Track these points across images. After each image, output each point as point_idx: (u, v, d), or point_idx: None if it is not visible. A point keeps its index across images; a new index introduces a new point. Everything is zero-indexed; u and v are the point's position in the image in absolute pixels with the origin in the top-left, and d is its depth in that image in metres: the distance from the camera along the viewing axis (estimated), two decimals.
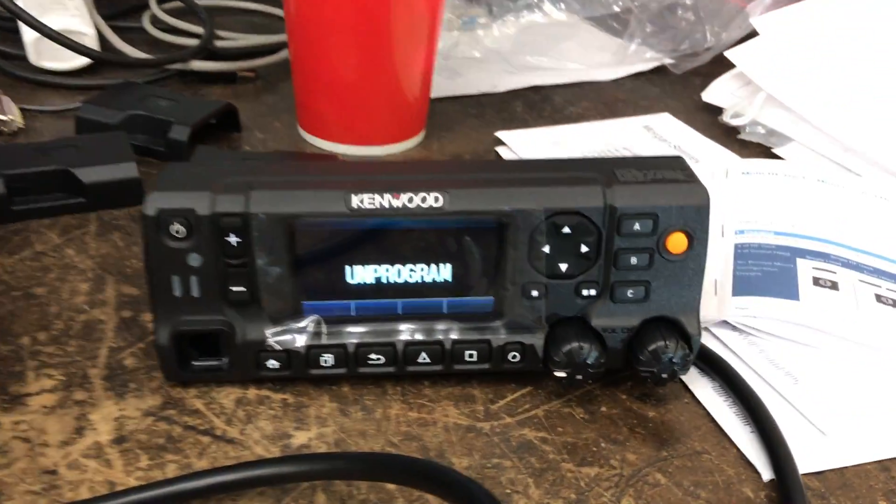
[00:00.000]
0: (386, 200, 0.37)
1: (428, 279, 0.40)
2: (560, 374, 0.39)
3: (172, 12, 0.79)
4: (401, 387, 0.41)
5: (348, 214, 0.38)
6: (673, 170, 0.40)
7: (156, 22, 0.78)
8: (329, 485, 0.36)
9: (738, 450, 0.39)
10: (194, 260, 0.38)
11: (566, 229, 0.38)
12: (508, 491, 0.36)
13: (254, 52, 0.75)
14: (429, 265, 0.39)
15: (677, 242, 0.39)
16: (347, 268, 0.39)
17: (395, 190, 0.38)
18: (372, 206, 0.37)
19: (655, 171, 0.39)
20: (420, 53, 0.61)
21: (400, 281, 0.39)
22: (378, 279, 0.39)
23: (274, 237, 0.38)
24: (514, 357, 0.40)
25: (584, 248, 0.39)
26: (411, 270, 0.39)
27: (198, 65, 0.71)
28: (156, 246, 0.37)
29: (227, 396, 0.40)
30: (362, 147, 0.63)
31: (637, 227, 0.38)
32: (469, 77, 0.76)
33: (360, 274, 0.39)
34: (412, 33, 0.59)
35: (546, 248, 0.39)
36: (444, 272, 0.39)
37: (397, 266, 0.39)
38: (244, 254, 0.38)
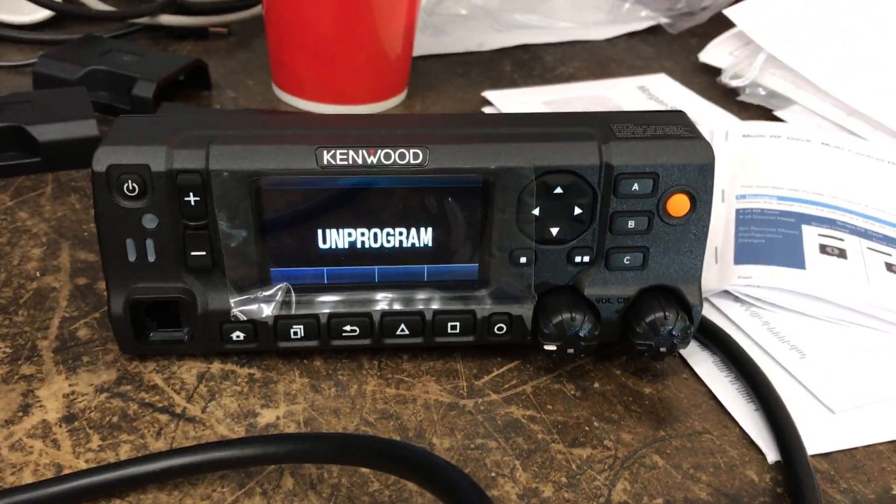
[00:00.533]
0: (360, 156, 0.34)
1: (407, 244, 0.36)
2: (550, 347, 0.36)
3: None
4: (377, 361, 0.38)
5: (319, 172, 0.34)
6: (675, 125, 0.37)
7: None
8: (298, 468, 0.33)
9: (741, 429, 0.36)
10: (150, 221, 0.34)
11: (558, 189, 0.35)
12: (494, 474, 0.33)
13: (226, 6, 0.71)
14: (408, 229, 0.36)
15: (679, 204, 0.36)
16: (319, 231, 0.36)
17: (371, 145, 0.34)
18: (345, 163, 0.34)
19: (656, 126, 0.36)
20: (402, 6, 0.57)
21: (376, 246, 0.36)
22: (353, 244, 0.36)
23: (237, 197, 0.34)
24: (500, 329, 0.37)
25: (577, 211, 0.36)
26: (389, 234, 0.36)
27: (167, 19, 0.67)
28: (107, 206, 0.34)
29: (189, 371, 0.37)
30: (340, 106, 0.59)
31: (635, 187, 0.35)
32: (454, 35, 0.73)
33: (334, 238, 0.36)
34: None
35: (536, 211, 0.35)
36: (424, 236, 0.36)
37: (374, 230, 0.36)
38: (204, 215, 0.34)
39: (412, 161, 0.34)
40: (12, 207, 0.47)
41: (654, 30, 0.78)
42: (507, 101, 0.62)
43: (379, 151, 0.34)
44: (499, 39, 0.72)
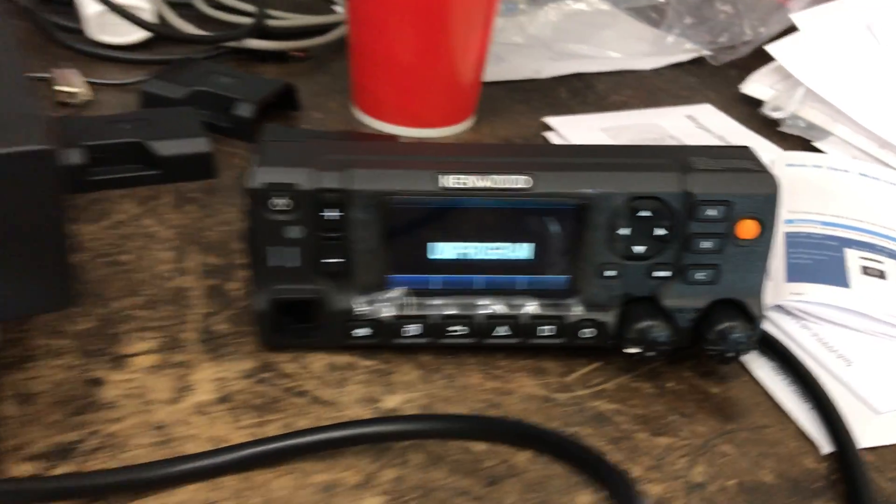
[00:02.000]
0: (475, 181, 0.40)
1: (509, 257, 0.42)
2: (632, 350, 0.42)
3: None
4: (477, 358, 0.44)
5: (439, 193, 0.40)
6: (743, 159, 0.42)
7: None
8: (422, 446, 0.38)
9: (796, 426, 0.41)
10: (293, 232, 0.40)
11: (644, 213, 0.41)
12: None
13: (304, 31, 0.77)
14: (511, 244, 0.42)
15: (747, 229, 0.41)
16: (434, 245, 0.41)
17: (484, 171, 0.40)
18: (461, 186, 0.40)
19: (727, 160, 0.42)
20: (476, 36, 0.63)
21: (483, 258, 0.42)
22: (462, 256, 0.42)
23: (369, 213, 0.40)
24: (588, 333, 0.43)
25: (660, 232, 0.41)
26: (494, 248, 0.42)
27: (253, 43, 0.73)
28: (258, 218, 0.39)
29: (319, 362, 0.42)
30: (417, 129, 0.65)
31: (711, 213, 0.41)
32: (513, 62, 0.78)
33: (446, 250, 0.41)
34: (470, 17, 0.61)
35: (624, 231, 0.41)
36: (524, 251, 0.42)
37: (481, 244, 0.41)
38: (340, 228, 0.40)
39: (521, 186, 0.40)
40: (139, 215, 0.52)
41: (697, 61, 0.84)
42: (567, 126, 0.67)
43: (491, 176, 0.40)
44: (554, 67, 0.78)
